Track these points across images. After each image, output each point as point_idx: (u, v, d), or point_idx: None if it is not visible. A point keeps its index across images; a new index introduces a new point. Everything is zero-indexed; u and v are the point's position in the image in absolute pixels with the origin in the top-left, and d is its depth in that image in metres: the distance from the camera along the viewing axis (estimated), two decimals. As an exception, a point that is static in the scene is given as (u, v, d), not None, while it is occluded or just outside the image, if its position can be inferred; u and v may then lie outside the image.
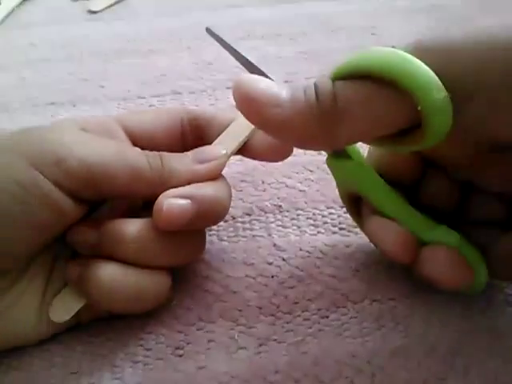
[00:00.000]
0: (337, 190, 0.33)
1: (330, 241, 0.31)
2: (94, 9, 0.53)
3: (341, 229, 0.31)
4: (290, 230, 0.31)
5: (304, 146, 0.23)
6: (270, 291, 0.28)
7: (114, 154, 0.25)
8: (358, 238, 0.31)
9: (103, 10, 0.53)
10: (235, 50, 0.28)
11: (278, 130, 0.22)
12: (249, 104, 0.22)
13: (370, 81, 0.21)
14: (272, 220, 0.32)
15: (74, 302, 0.25)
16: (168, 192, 0.25)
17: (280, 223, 0.32)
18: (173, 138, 0.29)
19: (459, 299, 0.27)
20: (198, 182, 0.26)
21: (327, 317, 0.27)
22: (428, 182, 0.26)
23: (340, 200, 0.33)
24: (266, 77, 0.25)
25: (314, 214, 0.32)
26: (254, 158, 0.30)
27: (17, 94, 0.43)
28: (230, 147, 0.28)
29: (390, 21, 0.49)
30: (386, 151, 0.27)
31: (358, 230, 0.31)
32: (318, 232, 0.31)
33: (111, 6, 0.54)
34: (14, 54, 0.48)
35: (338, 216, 0.32)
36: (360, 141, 0.24)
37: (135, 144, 0.28)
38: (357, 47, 0.46)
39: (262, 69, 0.27)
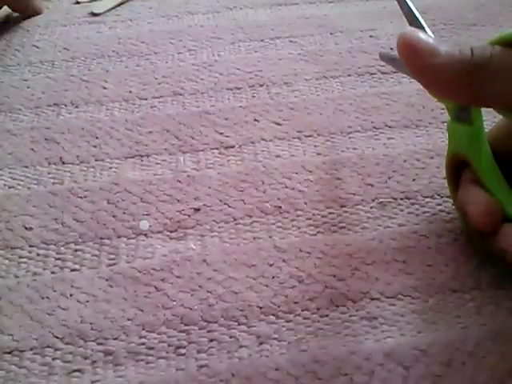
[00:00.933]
0: (335, 190, 0.33)
1: (330, 240, 0.31)
2: (96, 11, 0.53)
3: (341, 227, 0.32)
4: (291, 231, 0.32)
5: (450, 95, 0.26)
6: (270, 291, 0.29)
7: None
8: (358, 236, 0.31)
9: (106, 12, 0.54)
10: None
11: (431, 77, 0.26)
12: (411, 52, 0.25)
13: None
14: (272, 221, 0.32)
15: None
16: None
17: (280, 224, 0.32)
18: None
19: (455, 297, 0.28)
20: None
21: (327, 315, 0.28)
22: None
23: (339, 200, 0.33)
24: (424, 30, 0.29)
25: (313, 215, 0.33)
26: None
27: (19, 95, 0.44)
28: None
29: (388, 23, 0.49)
30: (508, 129, 0.30)
31: (357, 228, 0.32)
32: (318, 232, 0.32)
33: (113, 8, 0.54)
34: (17, 55, 0.48)
35: (338, 215, 0.32)
36: (501, 106, 0.26)
37: None
38: (355, 49, 0.46)
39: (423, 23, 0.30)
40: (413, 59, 0.26)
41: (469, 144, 0.29)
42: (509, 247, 0.26)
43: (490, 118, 0.34)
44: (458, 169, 0.30)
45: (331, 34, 0.49)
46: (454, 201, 0.31)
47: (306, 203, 0.33)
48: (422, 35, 0.26)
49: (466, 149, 0.29)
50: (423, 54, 0.25)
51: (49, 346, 0.27)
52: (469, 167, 0.29)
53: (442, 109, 0.39)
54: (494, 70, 0.24)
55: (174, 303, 0.28)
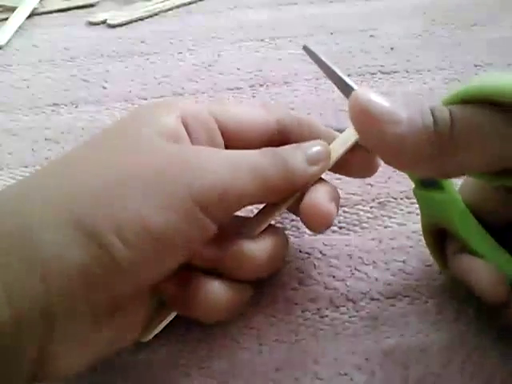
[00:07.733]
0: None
1: (329, 241, 0.31)
2: (111, 22, 0.52)
3: (340, 228, 0.32)
4: (290, 232, 0.32)
5: (411, 167, 0.23)
6: (270, 293, 0.29)
7: (244, 168, 0.24)
8: (357, 236, 0.31)
9: (121, 24, 0.52)
10: (330, 68, 0.28)
11: (390, 148, 0.21)
12: (366, 118, 0.21)
13: (489, 108, 0.21)
14: (272, 222, 0.32)
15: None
16: (324, 196, 0.26)
17: (280, 225, 0.32)
18: (264, 141, 0.28)
19: (455, 300, 0.28)
20: (308, 183, 0.26)
21: (327, 316, 0.28)
22: None
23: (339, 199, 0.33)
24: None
25: (313, 215, 0.33)
26: (346, 174, 0.30)
27: (19, 94, 0.44)
28: (337, 152, 0.27)
29: (388, 23, 0.49)
30: (482, 187, 0.26)
31: (357, 228, 0.32)
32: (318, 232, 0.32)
33: (130, 22, 0.52)
34: (17, 55, 0.48)
35: (338, 215, 0.32)
36: (470, 172, 0.23)
37: (226, 143, 0.27)
38: (355, 49, 0.46)
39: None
40: (368, 128, 0.21)
41: (445, 213, 0.25)
42: None
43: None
44: (439, 236, 0.27)
45: (331, 33, 0.49)
46: (442, 268, 0.28)
47: (305, 203, 0.33)
48: (377, 98, 0.21)
49: (443, 219, 0.25)
50: (381, 121, 0.21)
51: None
52: (452, 235, 0.26)
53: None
54: (458, 139, 0.21)
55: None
